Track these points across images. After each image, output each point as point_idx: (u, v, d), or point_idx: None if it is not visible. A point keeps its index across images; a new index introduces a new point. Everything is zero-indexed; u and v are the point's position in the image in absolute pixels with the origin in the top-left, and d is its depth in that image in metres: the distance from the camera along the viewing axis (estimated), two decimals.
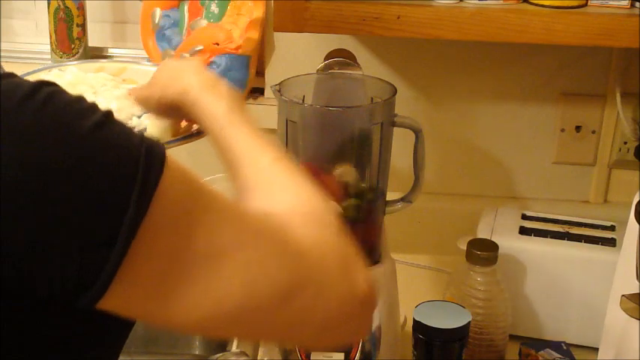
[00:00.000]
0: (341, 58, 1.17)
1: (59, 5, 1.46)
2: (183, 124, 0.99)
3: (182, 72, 0.93)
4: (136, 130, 0.67)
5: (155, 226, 0.61)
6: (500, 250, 1.18)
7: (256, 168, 0.83)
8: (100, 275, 0.60)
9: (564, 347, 1.21)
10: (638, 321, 0.99)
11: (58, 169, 0.59)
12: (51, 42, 1.50)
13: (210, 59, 1.42)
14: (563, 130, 1.43)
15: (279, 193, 0.80)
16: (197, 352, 1.32)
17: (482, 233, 1.26)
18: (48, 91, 0.61)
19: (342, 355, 1.09)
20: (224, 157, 0.86)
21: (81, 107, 0.62)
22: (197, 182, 0.66)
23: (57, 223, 0.59)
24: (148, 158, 0.61)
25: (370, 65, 1.35)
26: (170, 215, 0.62)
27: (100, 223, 0.59)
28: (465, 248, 1.19)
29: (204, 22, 1.45)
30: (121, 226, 0.59)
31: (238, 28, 1.40)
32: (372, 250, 1.12)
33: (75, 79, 1.09)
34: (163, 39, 1.49)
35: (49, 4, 1.47)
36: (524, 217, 1.32)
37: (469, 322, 1.10)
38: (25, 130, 0.59)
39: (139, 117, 0.99)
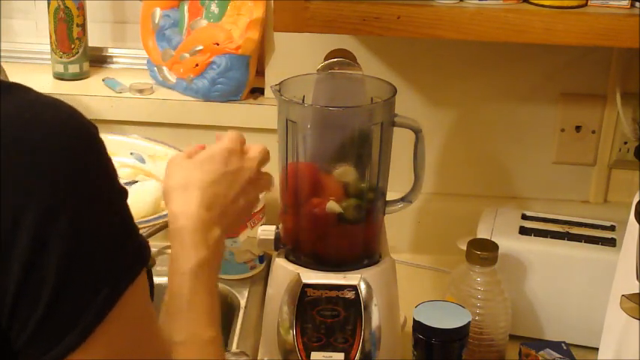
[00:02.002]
0: (341, 58, 1.17)
1: (59, 5, 1.46)
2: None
3: (185, 190, 0.92)
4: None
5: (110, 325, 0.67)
6: (500, 250, 1.18)
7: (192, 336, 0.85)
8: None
9: (564, 347, 1.21)
10: (638, 321, 0.99)
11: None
12: (51, 42, 1.50)
13: (210, 59, 1.42)
14: (563, 130, 1.43)
15: None
16: None
17: (482, 233, 1.26)
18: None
19: (342, 355, 1.09)
20: (169, 295, 0.87)
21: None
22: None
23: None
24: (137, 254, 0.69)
25: (370, 65, 1.35)
26: (125, 319, 0.68)
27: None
28: (464, 248, 1.19)
29: (204, 22, 1.45)
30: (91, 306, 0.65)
31: (238, 28, 1.40)
32: (372, 250, 1.12)
33: None
34: (163, 39, 1.49)
35: (49, 4, 1.47)
36: (524, 217, 1.32)
37: (469, 322, 1.10)
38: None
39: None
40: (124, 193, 0.70)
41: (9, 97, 0.65)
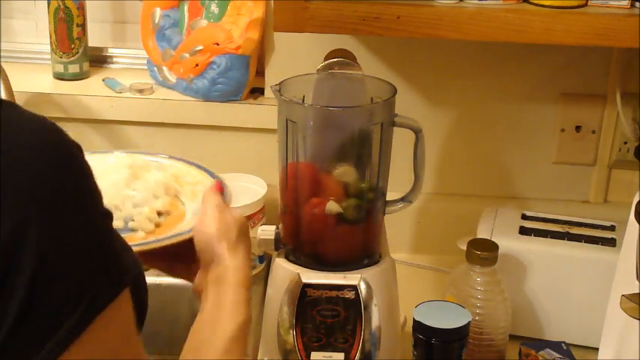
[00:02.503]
0: (341, 58, 1.17)
1: (59, 5, 1.46)
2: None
3: (235, 244, 0.91)
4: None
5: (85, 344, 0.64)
6: (500, 250, 1.18)
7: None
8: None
9: (564, 347, 1.21)
10: (638, 321, 0.99)
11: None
12: (51, 42, 1.50)
13: (210, 59, 1.42)
14: (563, 130, 1.43)
15: None
16: None
17: (482, 233, 1.26)
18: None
19: (342, 355, 1.09)
20: (204, 306, 0.88)
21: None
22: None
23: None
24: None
25: (370, 65, 1.35)
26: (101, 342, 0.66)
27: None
28: (465, 248, 1.19)
29: (204, 22, 1.45)
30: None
31: (238, 28, 1.40)
32: (372, 250, 1.12)
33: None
34: (163, 39, 1.49)
35: (49, 4, 1.47)
36: (524, 217, 1.32)
37: (469, 322, 1.10)
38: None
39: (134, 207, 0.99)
40: (107, 216, 0.68)
41: None
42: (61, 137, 0.65)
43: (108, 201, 0.69)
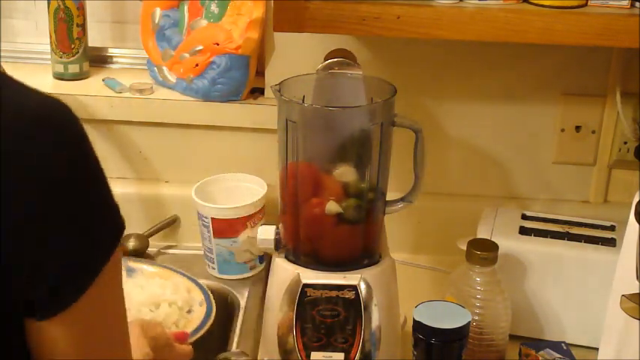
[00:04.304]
0: (341, 58, 1.17)
1: (59, 5, 1.46)
2: None
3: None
4: None
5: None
6: (500, 250, 1.18)
7: None
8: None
9: (564, 347, 1.21)
10: (638, 321, 0.99)
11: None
12: (51, 42, 1.50)
13: (210, 59, 1.42)
14: (563, 130, 1.43)
15: None
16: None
17: (482, 233, 1.26)
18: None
19: (342, 355, 1.09)
20: None
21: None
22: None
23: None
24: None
25: (370, 65, 1.35)
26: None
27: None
28: (465, 248, 1.19)
29: (204, 22, 1.45)
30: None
31: (238, 28, 1.40)
32: (372, 250, 1.12)
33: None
34: (163, 39, 1.49)
35: (49, 4, 1.47)
36: (524, 217, 1.32)
37: (469, 322, 1.10)
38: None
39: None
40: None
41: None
42: (61, 102, 0.72)
43: None
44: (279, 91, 1.08)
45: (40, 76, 1.52)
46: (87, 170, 0.71)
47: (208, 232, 1.35)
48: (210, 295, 1.27)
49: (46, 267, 0.68)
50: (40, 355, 0.72)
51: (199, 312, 1.23)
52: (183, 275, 1.31)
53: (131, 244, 1.41)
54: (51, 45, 1.50)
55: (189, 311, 1.24)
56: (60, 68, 1.51)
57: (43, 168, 0.67)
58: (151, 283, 1.28)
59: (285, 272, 1.10)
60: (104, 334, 0.75)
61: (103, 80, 1.50)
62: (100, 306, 0.73)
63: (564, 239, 1.25)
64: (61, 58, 1.50)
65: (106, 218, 0.72)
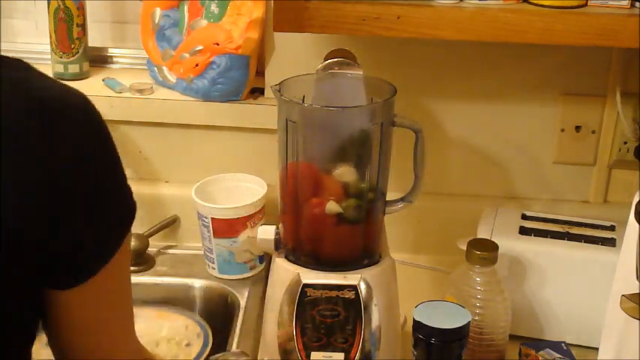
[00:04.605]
0: (341, 58, 1.17)
1: (59, 5, 1.46)
2: None
3: None
4: None
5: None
6: (500, 250, 1.18)
7: None
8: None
9: (564, 347, 1.21)
10: (638, 321, 0.99)
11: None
12: (51, 42, 1.50)
13: (210, 59, 1.42)
14: (563, 130, 1.43)
15: None
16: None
17: (482, 233, 1.26)
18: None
19: (342, 355, 1.09)
20: None
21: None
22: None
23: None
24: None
25: (370, 65, 1.35)
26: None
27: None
28: (464, 248, 1.19)
29: (204, 22, 1.45)
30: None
31: (238, 28, 1.40)
32: (372, 250, 1.12)
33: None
34: (163, 39, 1.49)
35: (49, 4, 1.47)
36: (524, 217, 1.32)
37: (469, 322, 1.09)
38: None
39: None
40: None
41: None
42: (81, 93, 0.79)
43: None
44: (279, 91, 1.08)
45: None
46: (109, 154, 0.80)
47: (208, 232, 1.35)
48: (207, 325, 1.33)
49: (79, 241, 0.76)
50: (61, 323, 0.80)
51: (197, 345, 1.29)
52: (181, 314, 1.36)
53: (131, 244, 1.41)
54: (51, 45, 1.50)
55: (187, 344, 1.28)
56: (60, 68, 1.51)
57: (67, 152, 0.73)
58: (149, 325, 1.32)
59: (285, 272, 1.10)
60: (118, 303, 0.85)
61: (103, 80, 1.50)
62: (118, 276, 0.83)
63: (564, 239, 1.26)
64: (61, 58, 1.50)
65: (126, 197, 0.81)
